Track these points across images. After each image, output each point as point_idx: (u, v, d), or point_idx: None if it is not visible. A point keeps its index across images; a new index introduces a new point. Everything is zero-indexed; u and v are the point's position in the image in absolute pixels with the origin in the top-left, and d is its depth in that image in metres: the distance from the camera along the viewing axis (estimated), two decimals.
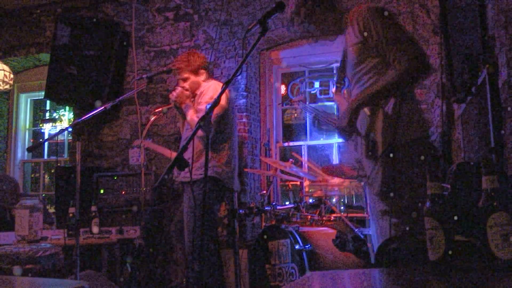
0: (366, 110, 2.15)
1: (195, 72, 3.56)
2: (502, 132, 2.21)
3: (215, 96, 3.33)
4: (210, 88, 3.46)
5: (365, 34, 2.09)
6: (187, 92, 3.51)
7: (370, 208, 2.24)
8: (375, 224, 2.18)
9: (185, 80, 3.56)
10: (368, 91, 2.14)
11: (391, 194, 2.07)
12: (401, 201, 2.05)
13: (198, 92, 3.54)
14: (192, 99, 3.55)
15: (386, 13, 2.10)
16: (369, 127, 2.14)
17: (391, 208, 2.07)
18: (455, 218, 1.31)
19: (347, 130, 2.21)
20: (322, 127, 2.46)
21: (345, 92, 2.41)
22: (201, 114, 3.34)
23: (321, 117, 2.45)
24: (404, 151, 2.06)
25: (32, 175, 6.43)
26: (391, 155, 2.05)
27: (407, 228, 2.01)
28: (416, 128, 2.09)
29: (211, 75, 4.23)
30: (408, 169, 2.05)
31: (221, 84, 3.57)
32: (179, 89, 3.51)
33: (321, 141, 5.06)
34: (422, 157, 2.04)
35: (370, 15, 2.09)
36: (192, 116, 3.40)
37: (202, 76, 3.59)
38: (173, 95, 3.48)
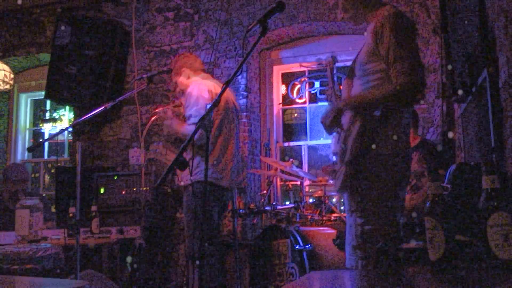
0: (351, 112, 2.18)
1: (178, 74, 3.60)
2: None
3: (201, 95, 3.35)
4: (192, 90, 3.42)
5: (378, 39, 2.10)
6: (168, 113, 3.54)
7: (344, 206, 2.30)
8: (347, 222, 2.23)
9: (175, 87, 3.64)
10: (358, 98, 2.17)
11: (352, 195, 2.13)
12: (367, 203, 2.09)
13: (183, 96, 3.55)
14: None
15: (404, 25, 2.09)
16: (347, 129, 2.17)
17: (356, 208, 2.11)
18: (455, 218, 1.31)
19: (330, 128, 2.25)
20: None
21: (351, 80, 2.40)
22: (192, 120, 3.34)
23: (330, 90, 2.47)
24: (377, 162, 2.08)
25: (32, 175, 6.42)
26: (357, 164, 2.09)
27: (368, 228, 2.05)
28: (395, 143, 2.10)
29: (211, 74, 4.22)
30: (376, 180, 2.08)
31: (201, 80, 3.56)
32: (162, 114, 3.55)
33: (321, 141, 5.06)
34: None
35: (388, 22, 2.07)
36: (179, 127, 3.41)
37: (183, 75, 3.58)
38: (164, 131, 3.56)
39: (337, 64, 4.95)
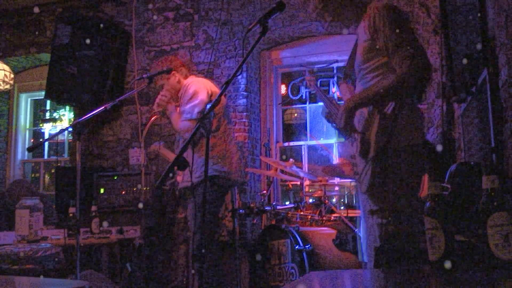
0: (364, 110, 2.15)
1: (167, 76, 3.57)
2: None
3: (199, 92, 3.35)
4: (190, 86, 3.44)
5: (373, 33, 2.08)
6: (167, 98, 3.52)
7: (360, 207, 2.25)
8: (364, 223, 2.19)
9: (161, 87, 3.60)
10: (366, 92, 2.13)
11: (378, 195, 2.08)
12: (389, 202, 2.06)
13: (180, 94, 3.53)
14: (176, 103, 3.55)
15: (398, 15, 2.07)
16: (365, 127, 2.14)
17: (378, 208, 2.08)
18: (455, 218, 1.31)
19: (345, 130, 2.22)
20: (328, 116, 2.45)
21: (350, 84, 2.40)
22: (185, 116, 3.35)
23: (325, 103, 2.45)
24: (397, 156, 2.06)
25: (32, 175, 6.43)
26: (382, 159, 2.05)
27: (391, 228, 2.02)
28: (412, 134, 2.08)
29: (208, 75, 4.22)
30: (399, 173, 2.05)
31: (200, 79, 3.56)
32: (158, 97, 3.54)
33: (321, 141, 5.06)
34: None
35: (381, 15, 2.06)
36: (176, 121, 3.40)
37: (175, 77, 3.57)
38: (155, 105, 3.51)
39: (338, 64, 4.97)
